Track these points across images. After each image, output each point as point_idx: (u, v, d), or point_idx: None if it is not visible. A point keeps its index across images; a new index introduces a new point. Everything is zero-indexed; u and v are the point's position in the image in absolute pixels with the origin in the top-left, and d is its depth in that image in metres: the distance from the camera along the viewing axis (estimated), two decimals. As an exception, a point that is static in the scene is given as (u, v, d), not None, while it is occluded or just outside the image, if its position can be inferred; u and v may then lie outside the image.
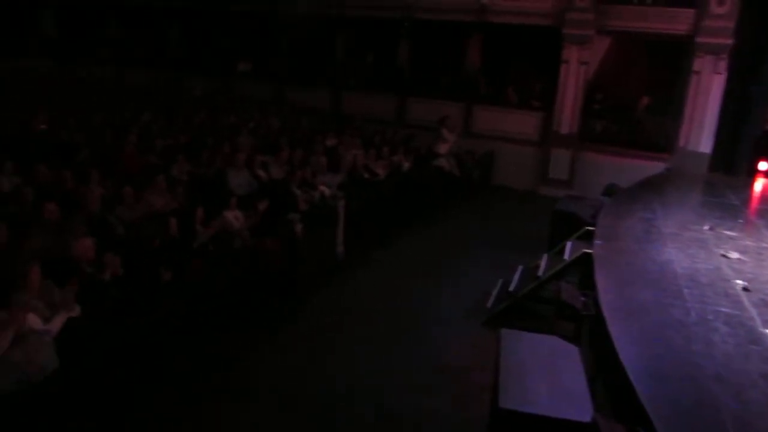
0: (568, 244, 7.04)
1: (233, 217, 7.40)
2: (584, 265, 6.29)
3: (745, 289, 5.15)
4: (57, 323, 4.95)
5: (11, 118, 10.53)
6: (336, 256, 8.31)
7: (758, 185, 10.10)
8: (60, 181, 7.72)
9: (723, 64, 11.70)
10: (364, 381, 5.68)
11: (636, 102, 12.96)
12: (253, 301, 6.64)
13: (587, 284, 5.81)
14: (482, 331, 6.78)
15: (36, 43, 20.27)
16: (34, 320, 4.84)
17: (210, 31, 18.11)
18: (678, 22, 12.04)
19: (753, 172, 10.70)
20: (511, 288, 7.27)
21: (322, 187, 9.28)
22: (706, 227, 6.95)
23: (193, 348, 5.73)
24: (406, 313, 7.14)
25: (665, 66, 12.63)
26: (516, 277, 7.58)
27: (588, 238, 6.79)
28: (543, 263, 7.27)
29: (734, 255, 6.00)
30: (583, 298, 5.46)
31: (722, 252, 6.08)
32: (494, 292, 7.60)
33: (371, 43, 16.16)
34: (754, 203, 9.15)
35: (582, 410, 3.58)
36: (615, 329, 4.26)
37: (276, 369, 5.85)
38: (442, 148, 12.18)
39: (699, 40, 11.75)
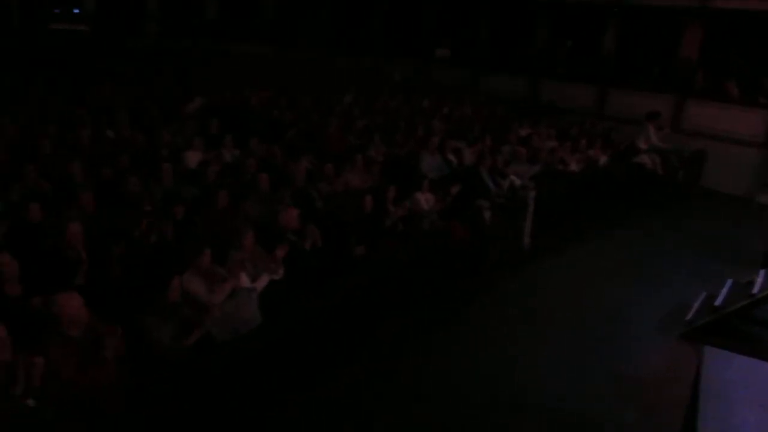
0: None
1: (424, 199, 7.55)
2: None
3: None
4: (262, 283, 5.45)
5: (233, 97, 11.70)
6: (522, 247, 8.14)
7: None
8: (271, 155, 8.44)
9: None
10: (544, 381, 5.48)
11: None
12: (435, 283, 6.74)
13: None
14: (678, 344, 6.24)
15: (258, 29, 22.25)
16: (244, 278, 5.37)
17: (411, 18, 18.57)
18: None
19: None
20: (717, 302, 6.56)
21: (513, 177, 9.11)
22: None
23: (375, 322, 5.95)
24: (595, 314, 6.78)
25: None
26: (724, 291, 6.82)
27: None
28: (759, 279, 6.46)
29: None
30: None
31: None
32: (695, 305, 6.92)
33: (573, 29, 15.46)
34: None
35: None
36: None
37: (449, 355, 5.85)
38: (644, 144, 11.33)
39: None
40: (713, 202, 11.83)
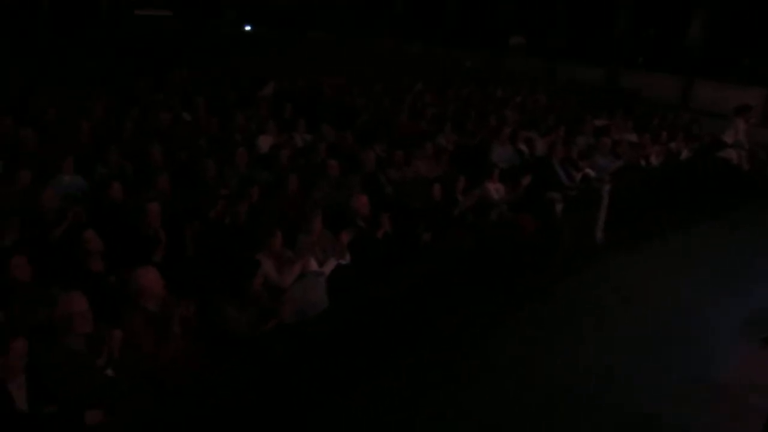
0: None
1: (494, 189, 7.43)
2: None
3: None
4: (329, 267, 5.50)
5: (306, 83, 11.86)
6: (595, 241, 7.88)
7: None
8: (342, 141, 8.50)
9: None
10: (613, 382, 5.26)
11: None
12: (502, 275, 6.61)
13: None
14: (761, 349, 5.89)
15: (331, 17, 22.46)
16: (312, 262, 5.44)
17: (486, 6, 18.27)
18: None
19: None
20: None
21: (587, 169, 8.84)
22: None
23: (439, 312, 5.86)
24: (669, 315, 6.47)
25: None
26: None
27: None
28: None
29: None
30: None
31: None
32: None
33: (655, 17, 14.79)
34: None
35: None
36: None
37: (513, 350, 5.71)
38: (731, 138, 10.72)
39: None
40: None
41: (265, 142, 8.30)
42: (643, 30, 14.92)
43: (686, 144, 10.61)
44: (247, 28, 19.02)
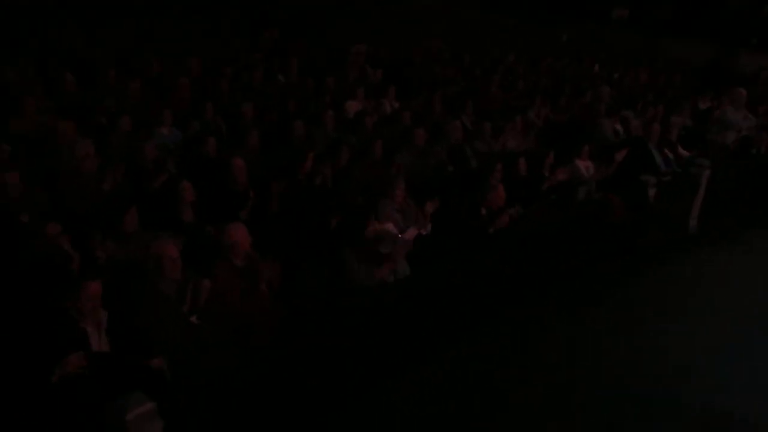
0: None
1: (584, 166, 7.17)
2: None
3: None
4: (410, 235, 5.50)
5: (397, 49, 11.74)
6: (689, 229, 7.49)
7: None
8: (430, 110, 8.41)
9: None
10: (701, 382, 4.95)
11: None
12: (586, 258, 6.40)
13: None
14: None
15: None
16: (392, 228, 5.44)
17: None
18: None
19: None
20: None
21: (683, 151, 8.38)
22: None
23: (518, 291, 5.73)
24: (753, 317, 6.07)
25: None
26: None
27: None
28: None
29: None
30: None
31: None
32: None
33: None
34: None
35: None
36: None
37: (588, 338, 5.49)
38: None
39: None
40: None
41: (353, 107, 8.34)
42: (760, 5, 13.82)
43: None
44: None
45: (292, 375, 3.97)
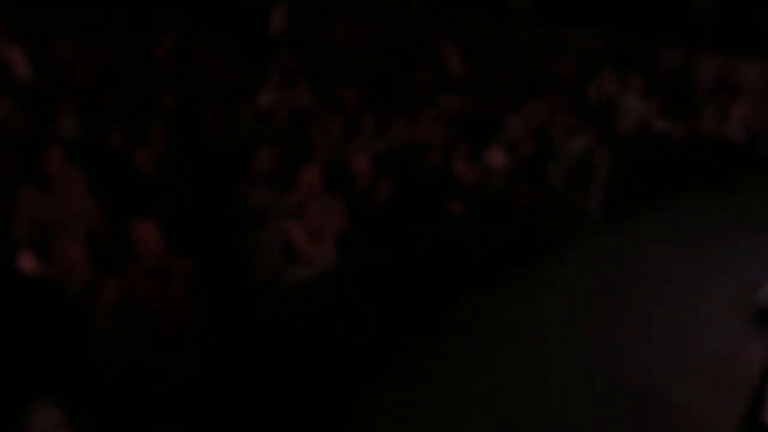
0: None
1: (495, 158, 7.41)
2: None
3: None
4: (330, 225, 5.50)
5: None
6: (591, 214, 7.94)
7: None
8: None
9: None
10: (603, 359, 5.40)
11: None
12: (498, 248, 6.64)
13: None
14: (748, 327, 6.01)
15: None
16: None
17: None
18: None
19: None
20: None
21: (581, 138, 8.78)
22: None
23: (435, 282, 5.88)
24: (659, 290, 6.59)
25: None
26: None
27: None
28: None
29: None
30: None
31: None
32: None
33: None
34: None
35: None
36: None
37: (506, 320, 5.81)
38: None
39: None
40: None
41: (265, 99, 8.25)
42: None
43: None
44: None
45: (211, 376, 3.93)
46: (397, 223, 5.74)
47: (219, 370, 4.03)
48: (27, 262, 3.74)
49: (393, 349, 5.12)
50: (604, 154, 8.11)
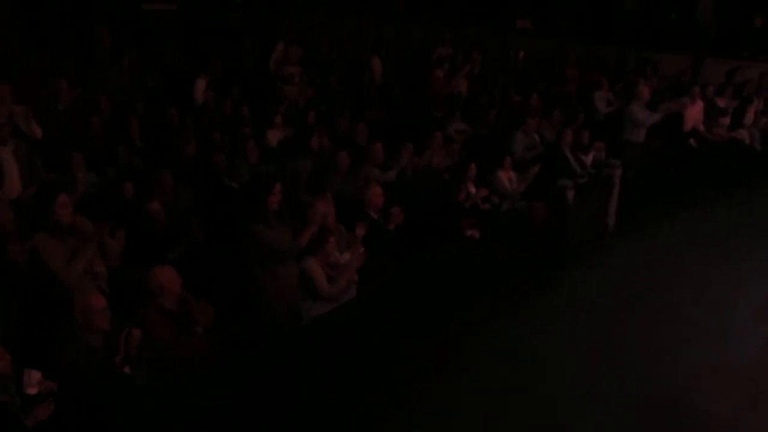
0: None
1: (507, 178, 7.40)
2: None
3: None
4: (345, 258, 5.51)
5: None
6: (606, 227, 7.86)
7: None
8: (355, 134, 8.41)
9: None
10: (630, 372, 5.30)
11: None
12: (513, 266, 6.59)
13: None
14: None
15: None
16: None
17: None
18: None
19: None
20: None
21: (595, 152, 8.76)
22: None
23: (448, 301, 5.81)
24: (682, 299, 6.47)
25: None
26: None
27: None
28: None
29: None
30: None
31: None
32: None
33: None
34: None
35: None
36: None
37: (527, 337, 5.74)
38: (747, 119, 10.65)
39: None
40: None
41: (273, 136, 8.35)
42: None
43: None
44: None
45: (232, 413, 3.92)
46: (410, 251, 5.72)
47: (238, 407, 4.01)
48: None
49: (415, 377, 5.07)
50: (616, 166, 8.06)
